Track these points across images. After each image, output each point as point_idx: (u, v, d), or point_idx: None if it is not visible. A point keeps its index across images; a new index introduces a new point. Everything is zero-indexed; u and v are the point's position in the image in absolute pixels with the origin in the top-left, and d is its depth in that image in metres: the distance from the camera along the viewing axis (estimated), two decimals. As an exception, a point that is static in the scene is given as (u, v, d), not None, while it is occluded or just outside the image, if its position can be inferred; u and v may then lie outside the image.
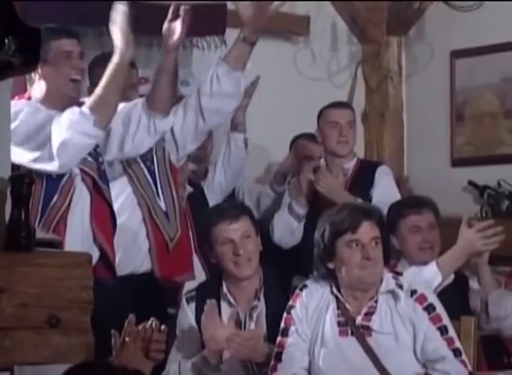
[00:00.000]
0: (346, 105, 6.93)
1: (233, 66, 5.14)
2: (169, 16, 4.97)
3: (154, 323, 4.38)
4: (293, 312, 4.86)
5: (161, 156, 5.48)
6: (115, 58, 4.87)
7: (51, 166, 4.81)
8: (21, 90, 5.02)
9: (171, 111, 5.23)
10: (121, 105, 5.08)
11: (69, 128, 4.76)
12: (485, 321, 5.46)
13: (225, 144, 6.49)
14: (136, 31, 5.07)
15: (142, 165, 5.43)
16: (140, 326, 4.38)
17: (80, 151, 4.85)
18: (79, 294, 3.09)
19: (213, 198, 6.48)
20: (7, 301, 2.94)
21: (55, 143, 4.74)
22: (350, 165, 6.62)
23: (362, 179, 6.53)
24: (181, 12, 4.98)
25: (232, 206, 5.62)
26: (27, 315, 2.98)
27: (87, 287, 3.15)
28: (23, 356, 2.98)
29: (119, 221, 5.27)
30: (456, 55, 7.51)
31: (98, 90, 4.87)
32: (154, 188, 5.45)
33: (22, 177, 3.17)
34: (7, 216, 3.09)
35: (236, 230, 5.09)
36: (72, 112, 4.80)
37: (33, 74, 4.85)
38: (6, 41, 2.91)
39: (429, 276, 5.29)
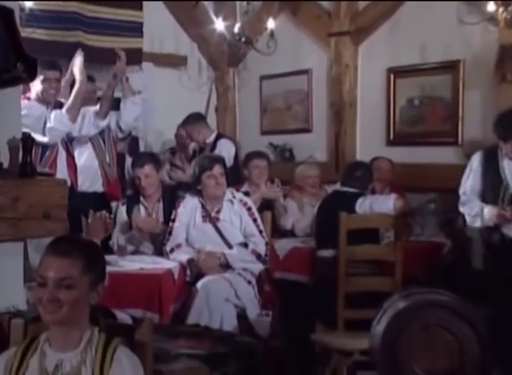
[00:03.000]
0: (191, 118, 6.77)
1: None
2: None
3: (105, 213, 4.53)
4: (178, 210, 4.92)
5: (108, 134, 5.45)
6: (77, 86, 4.95)
7: (44, 140, 4.81)
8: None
9: (108, 116, 5.27)
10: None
11: (54, 121, 4.82)
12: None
13: None
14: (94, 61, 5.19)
15: (99, 138, 5.40)
16: (98, 214, 4.48)
17: (59, 133, 4.94)
18: (60, 201, 3.02)
19: None
20: (21, 204, 2.86)
21: (48, 129, 4.82)
22: (211, 138, 6.52)
23: (214, 147, 6.42)
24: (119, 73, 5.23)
25: (143, 156, 5.69)
26: (32, 211, 2.90)
27: (64, 197, 3.08)
28: (30, 233, 2.91)
29: (87, 165, 5.34)
30: (263, 78, 7.44)
31: (70, 101, 4.92)
32: (104, 149, 5.43)
33: (28, 138, 3.09)
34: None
35: (142, 172, 5.11)
36: (56, 113, 4.85)
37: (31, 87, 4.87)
38: (18, 64, 2.83)
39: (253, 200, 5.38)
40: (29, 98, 4.89)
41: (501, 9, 5.20)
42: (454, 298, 3.20)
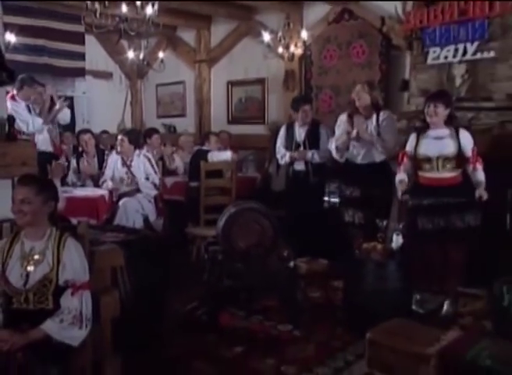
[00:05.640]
0: None
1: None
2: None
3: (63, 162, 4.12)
4: (108, 160, 4.64)
5: (56, 125, 4.70)
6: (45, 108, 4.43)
7: (27, 130, 4.23)
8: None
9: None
10: None
11: (34, 125, 4.25)
12: None
13: None
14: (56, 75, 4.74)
15: (51, 125, 4.65)
16: (60, 161, 4.21)
17: (37, 131, 4.31)
18: (32, 154, 2.83)
19: None
20: (7, 157, 2.68)
21: (30, 127, 4.24)
22: None
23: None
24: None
25: (86, 130, 5.15)
26: (15, 161, 2.72)
27: (35, 152, 2.89)
28: (14, 174, 2.69)
29: (43, 138, 4.55)
30: (158, 85, 7.11)
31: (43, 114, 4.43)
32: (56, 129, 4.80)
33: (11, 117, 2.84)
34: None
35: (84, 138, 4.70)
36: (34, 120, 4.28)
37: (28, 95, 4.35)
38: (3, 73, 2.59)
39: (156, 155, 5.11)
40: (14, 98, 4.37)
41: (285, 51, 5.30)
42: (261, 206, 3.32)
